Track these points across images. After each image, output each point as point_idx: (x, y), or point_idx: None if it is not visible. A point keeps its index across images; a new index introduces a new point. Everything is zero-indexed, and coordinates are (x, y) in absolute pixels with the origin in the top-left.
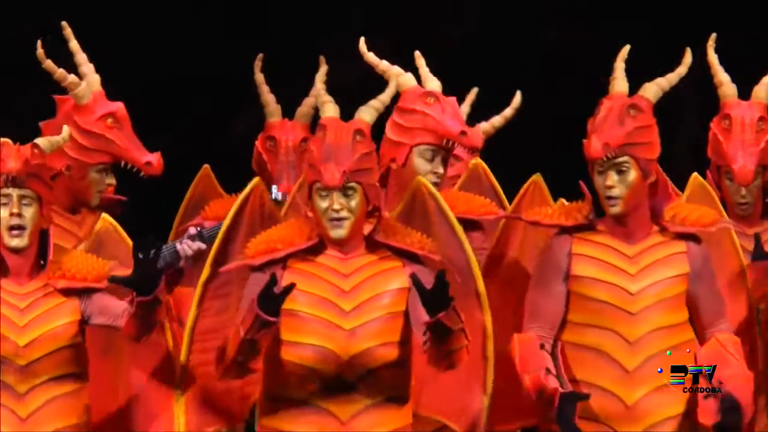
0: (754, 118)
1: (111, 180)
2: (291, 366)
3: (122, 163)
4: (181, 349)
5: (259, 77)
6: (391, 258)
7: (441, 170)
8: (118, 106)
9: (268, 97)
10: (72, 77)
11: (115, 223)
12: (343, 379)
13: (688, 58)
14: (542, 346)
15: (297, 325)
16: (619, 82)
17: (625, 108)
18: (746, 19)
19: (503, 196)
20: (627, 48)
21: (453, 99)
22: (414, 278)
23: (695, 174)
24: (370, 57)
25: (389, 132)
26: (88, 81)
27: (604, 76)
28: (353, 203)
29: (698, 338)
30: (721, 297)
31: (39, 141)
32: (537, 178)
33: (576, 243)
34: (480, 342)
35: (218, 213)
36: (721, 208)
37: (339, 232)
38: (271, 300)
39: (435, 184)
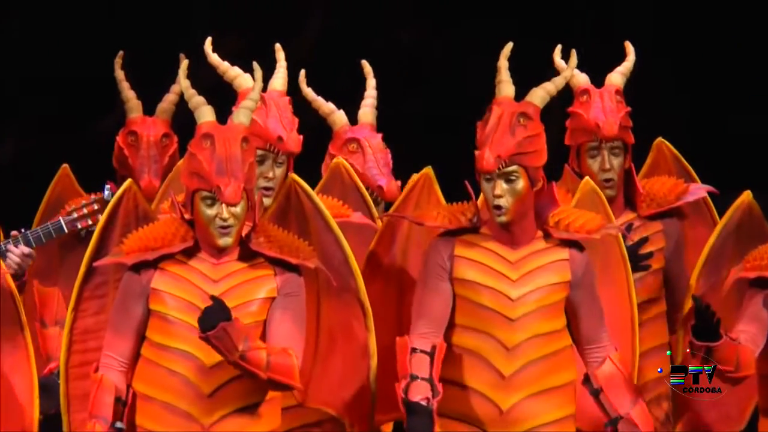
0: (612, 90)
1: None
2: (157, 368)
3: None
4: (60, 351)
5: (120, 74)
6: (263, 265)
7: (272, 174)
8: None
9: (129, 93)
10: None
11: None
12: (206, 385)
13: (574, 60)
14: (414, 350)
15: (165, 329)
16: (507, 86)
17: (515, 117)
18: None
19: (366, 195)
20: (510, 46)
21: (285, 100)
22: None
23: (587, 178)
24: (213, 58)
25: None
26: None
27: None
28: (239, 210)
29: (577, 346)
30: (601, 308)
31: None
32: (428, 171)
33: (458, 246)
34: (362, 338)
35: None
36: (610, 212)
37: (227, 240)
38: None
39: (266, 188)
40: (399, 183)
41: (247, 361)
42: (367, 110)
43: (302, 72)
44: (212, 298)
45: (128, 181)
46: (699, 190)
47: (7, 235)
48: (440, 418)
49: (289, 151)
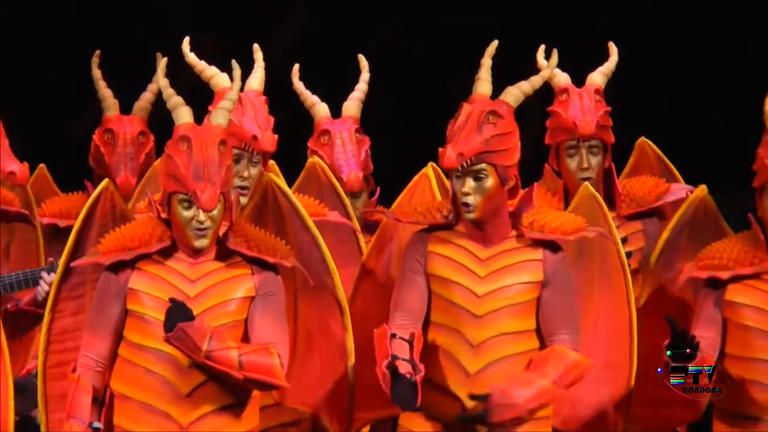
0: (591, 90)
1: None
2: (135, 368)
3: None
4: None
5: (96, 73)
6: (241, 264)
7: (247, 173)
8: None
9: (106, 92)
10: None
11: None
12: (184, 384)
13: (554, 60)
14: (394, 336)
15: (142, 328)
16: (483, 84)
17: (485, 114)
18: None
19: (342, 194)
20: (495, 44)
21: (261, 99)
22: None
23: (586, 183)
24: (191, 57)
25: None
26: None
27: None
28: (215, 212)
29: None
30: (571, 308)
31: None
32: (427, 170)
33: (432, 242)
34: (340, 337)
35: (54, 211)
36: (609, 218)
37: (203, 242)
38: None
39: (242, 188)
40: (360, 175)
41: (214, 360)
42: (351, 103)
43: (296, 66)
44: (171, 300)
45: (105, 181)
46: (680, 191)
47: None
48: (410, 413)
49: (263, 151)
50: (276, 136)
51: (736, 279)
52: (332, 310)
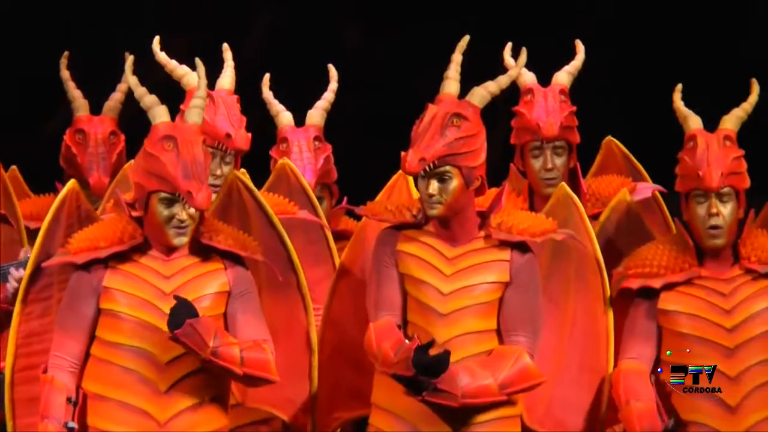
0: (556, 90)
1: None
2: (110, 366)
3: None
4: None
5: (65, 74)
6: (214, 260)
7: (219, 171)
8: None
9: (75, 93)
10: None
11: None
12: (161, 381)
13: (522, 59)
14: (400, 326)
15: (117, 326)
16: (451, 83)
17: (449, 117)
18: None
19: (312, 195)
20: (466, 39)
21: (233, 98)
22: None
23: (562, 183)
24: (161, 57)
25: None
26: None
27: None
28: (192, 210)
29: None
30: (532, 310)
31: None
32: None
33: (401, 240)
34: (304, 334)
35: (25, 213)
36: (587, 219)
37: (182, 240)
38: None
39: (214, 186)
40: (313, 182)
41: (219, 357)
42: (314, 112)
43: (266, 75)
44: (176, 297)
45: (71, 182)
46: (646, 190)
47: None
48: (380, 413)
49: (237, 149)
50: (249, 134)
51: (668, 287)
52: (297, 306)
